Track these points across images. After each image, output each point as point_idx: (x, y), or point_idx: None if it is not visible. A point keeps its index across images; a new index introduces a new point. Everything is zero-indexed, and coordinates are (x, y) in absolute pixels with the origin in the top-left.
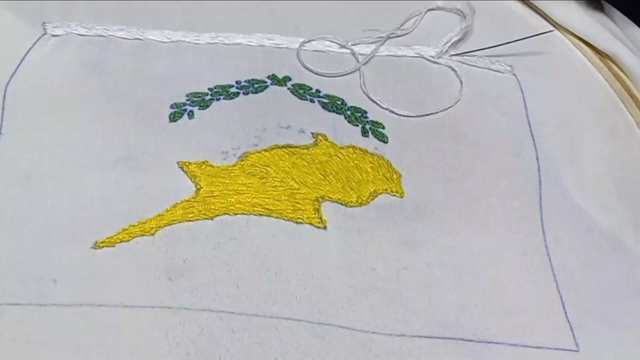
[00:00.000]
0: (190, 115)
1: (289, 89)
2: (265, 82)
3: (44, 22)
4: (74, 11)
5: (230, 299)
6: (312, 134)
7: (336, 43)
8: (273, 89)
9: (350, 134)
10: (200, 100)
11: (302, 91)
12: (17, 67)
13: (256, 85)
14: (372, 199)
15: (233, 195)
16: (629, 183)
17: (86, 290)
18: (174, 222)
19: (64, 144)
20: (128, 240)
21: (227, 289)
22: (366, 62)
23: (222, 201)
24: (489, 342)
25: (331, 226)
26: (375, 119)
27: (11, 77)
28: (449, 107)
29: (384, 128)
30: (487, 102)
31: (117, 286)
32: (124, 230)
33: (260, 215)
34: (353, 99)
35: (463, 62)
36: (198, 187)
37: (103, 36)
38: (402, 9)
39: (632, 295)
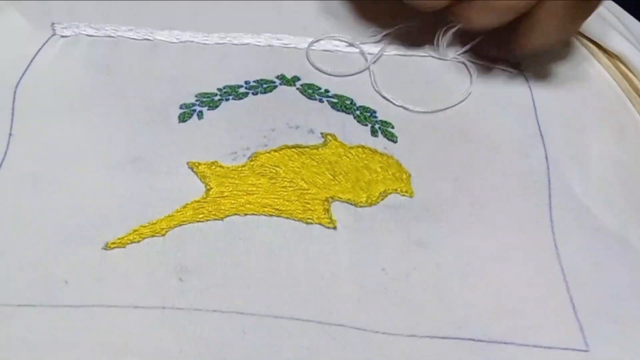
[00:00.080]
0: (200, 115)
1: (297, 88)
2: (274, 82)
3: (53, 23)
4: (83, 12)
5: (241, 300)
6: (322, 133)
7: (344, 42)
8: (282, 88)
9: (360, 133)
10: (210, 101)
11: (311, 91)
12: (27, 69)
13: (265, 85)
14: (382, 199)
15: (243, 196)
16: (637, 183)
17: (97, 291)
18: (185, 222)
19: (74, 145)
20: (139, 241)
21: (238, 289)
22: (375, 61)
23: (232, 202)
24: (499, 343)
25: (341, 226)
26: (384, 119)
27: (21, 78)
28: (461, 101)
29: (393, 128)
30: (496, 101)
31: (128, 287)
32: (135, 231)
33: (270, 215)
34: (362, 99)
35: (471, 61)
36: (208, 187)
37: (112, 37)
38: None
39: None
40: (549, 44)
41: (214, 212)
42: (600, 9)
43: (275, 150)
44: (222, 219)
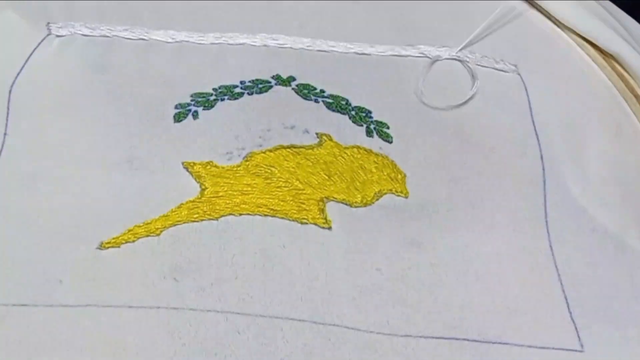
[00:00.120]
0: (195, 115)
1: (293, 89)
2: (270, 82)
3: (49, 23)
4: (78, 11)
5: (236, 300)
6: (317, 134)
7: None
8: (277, 89)
9: (355, 134)
10: (205, 101)
11: (306, 91)
12: (22, 68)
13: (260, 86)
14: (377, 199)
15: (238, 196)
16: (633, 183)
17: (92, 290)
18: (179, 222)
19: (69, 145)
20: (133, 241)
21: (233, 289)
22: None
23: (227, 202)
24: (493, 343)
25: (336, 226)
26: (379, 119)
27: (16, 77)
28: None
29: (388, 128)
30: (492, 101)
31: (123, 287)
32: (129, 230)
33: (265, 215)
34: (357, 99)
35: (467, 62)
36: (203, 187)
37: (107, 36)
38: (406, 8)
39: (637, 296)
40: None
41: (208, 212)
42: (598, 9)
43: (270, 151)
44: (217, 218)
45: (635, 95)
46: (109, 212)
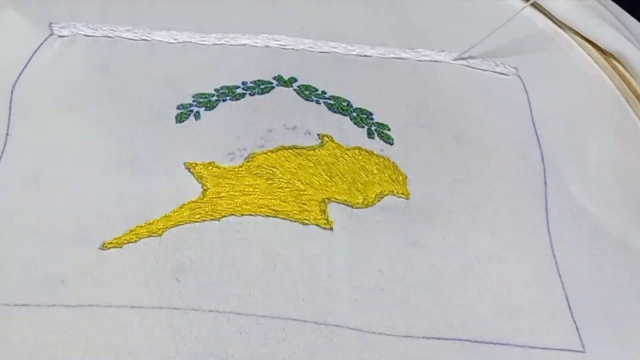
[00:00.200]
0: (197, 116)
1: (294, 90)
2: (272, 83)
3: (51, 23)
4: (81, 12)
5: (238, 300)
6: (318, 135)
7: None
8: (279, 90)
9: (356, 135)
10: (207, 101)
11: (308, 92)
12: (24, 68)
13: (262, 86)
14: (378, 201)
15: (239, 197)
16: (634, 183)
17: (94, 291)
18: (181, 223)
19: (71, 145)
20: (135, 241)
21: (234, 289)
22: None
23: (229, 202)
24: (495, 343)
25: (337, 227)
26: (380, 121)
27: (18, 78)
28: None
29: (389, 130)
30: (492, 104)
31: (125, 287)
32: (131, 231)
33: (267, 216)
34: (359, 101)
35: (467, 65)
36: (205, 188)
37: (110, 37)
38: (408, 11)
39: (638, 296)
40: None
41: (210, 213)
42: (599, 8)
43: (272, 151)
44: (218, 219)
45: (637, 96)
46: (111, 213)
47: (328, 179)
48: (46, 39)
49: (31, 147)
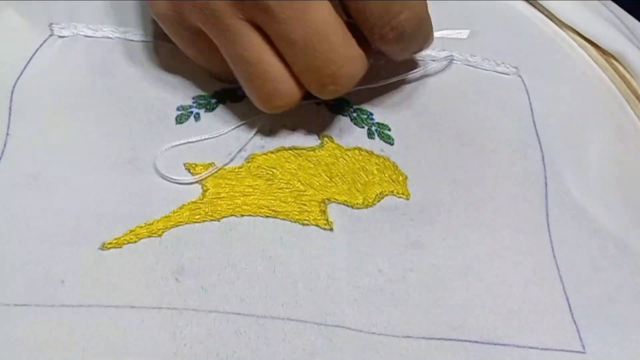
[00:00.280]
0: (197, 117)
1: None
2: None
3: (51, 23)
4: (81, 12)
5: (237, 300)
6: (318, 135)
7: None
8: None
9: (356, 135)
10: (207, 103)
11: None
12: (24, 69)
13: None
14: (378, 201)
15: (239, 197)
16: (635, 184)
17: (94, 291)
18: (181, 223)
19: (71, 146)
20: (135, 242)
21: (234, 290)
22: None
23: (229, 203)
24: (495, 344)
25: (337, 228)
26: (381, 121)
27: (18, 78)
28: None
29: (389, 130)
30: (493, 104)
31: (125, 287)
32: (131, 231)
33: (267, 216)
34: (358, 101)
35: (468, 65)
36: (204, 188)
37: (110, 38)
38: None
39: (639, 297)
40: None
41: (210, 213)
42: (600, 8)
43: (272, 152)
44: (218, 219)
45: (638, 97)
46: (111, 213)
47: (328, 179)
48: (46, 39)
49: (31, 148)
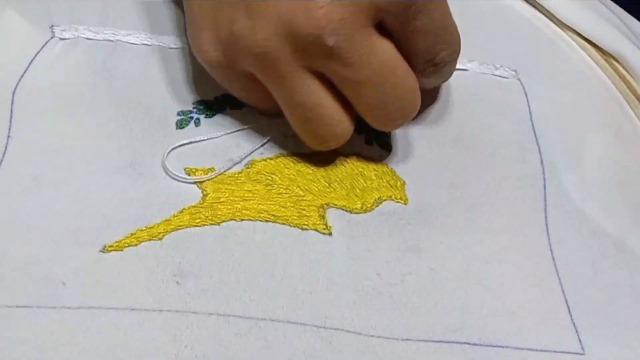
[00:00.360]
0: (197, 123)
1: None
2: None
3: (52, 25)
4: (83, 14)
5: (238, 303)
6: None
7: None
8: None
9: (355, 142)
10: (207, 109)
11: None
12: (26, 71)
13: None
14: (377, 206)
15: (239, 202)
16: (634, 186)
17: (95, 293)
18: (181, 227)
19: (72, 148)
20: (136, 245)
21: (234, 292)
22: None
23: (229, 207)
24: (494, 346)
25: (336, 232)
26: None
27: (19, 80)
28: None
29: (388, 137)
30: (491, 107)
31: (126, 289)
32: (132, 234)
33: (266, 221)
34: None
35: (466, 69)
36: (204, 193)
37: (111, 40)
38: None
39: (638, 298)
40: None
41: (210, 217)
42: (599, 8)
43: (271, 158)
44: (218, 223)
45: (638, 97)
46: (112, 216)
47: (327, 185)
48: (47, 41)
49: (32, 150)
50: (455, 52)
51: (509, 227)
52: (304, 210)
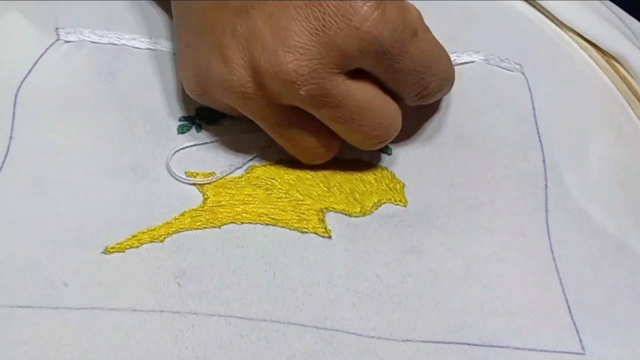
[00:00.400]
0: (198, 129)
1: None
2: None
3: (57, 28)
4: (88, 17)
5: (238, 304)
6: None
7: None
8: None
9: (354, 146)
10: (209, 116)
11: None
12: (29, 72)
13: None
14: (376, 209)
15: (239, 205)
16: (635, 186)
17: (96, 294)
18: (182, 229)
19: (74, 150)
20: (137, 246)
21: (235, 294)
22: None
23: (229, 210)
24: (494, 346)
25: (335, 235)
26: None
27: (22, 81)
28: None
29: None
30: (495, 101)
31: (127, 291)
32: (134, 236)
33: (267, 224)
34: None
35: (472, 61)
36: (205, 196)
37: (115, 44)
38: None
39: (638, 298)
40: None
41: (211, 220)
42: (600, 8)
43: (271, 164)
44: (219, 226)
45: (638, 98)
46: (114, 218)
47: (326, 189)
48: (52, 44)
49: (34, 151)
50: (447, 79)
51: (509, 227)
52: (304, 214)
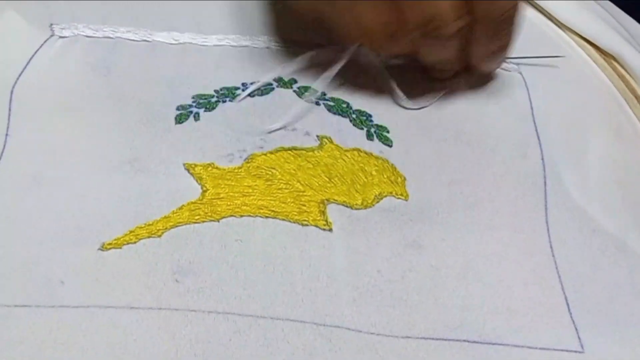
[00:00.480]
0: (196, 117)
1: (294, 91)
2: (271, 85)
3: (52, 24)
4: (82, 12)
5: (237, 300)
6: (318, 136)
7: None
8: (279, 91)
9: (355, 137)
10: (207, 103)
11: (307, 94)
12: (24, 69)
13: (262, 88)
14: (377, 202)
15: (239, 198)
16: (634, 184)
17: (93, 291)
18: (181, 224)
19: (71, 146)
20: (135, 242)
21: (234, 290)
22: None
23: (228, 203)
24: (493, 344)
25: (336, 228)
26: (380, 123)
27: (18, 78)
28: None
29: (388, 132)
30: (493, 101)
31: (124, 288)
32: (131, 232)
33: (266, 217)
34: (358, 103)
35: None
36: (204, 189)
37: (110, 37)
38: None
39: (637, 296)
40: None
41: (209, 214)
42: (597, 8)
43: (271, 153)
44: (217, 220)
45: (636, 96)
46: (110, 213)
47: (327, 180)
48: (47, 39)
49: (31, 148)
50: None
51: (509, 224)
52: (304, 205)
